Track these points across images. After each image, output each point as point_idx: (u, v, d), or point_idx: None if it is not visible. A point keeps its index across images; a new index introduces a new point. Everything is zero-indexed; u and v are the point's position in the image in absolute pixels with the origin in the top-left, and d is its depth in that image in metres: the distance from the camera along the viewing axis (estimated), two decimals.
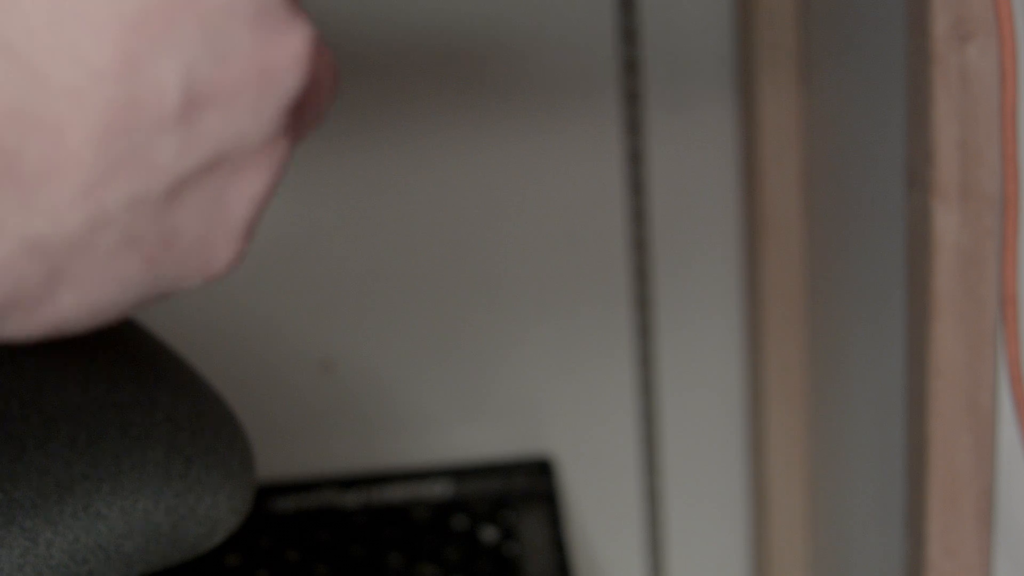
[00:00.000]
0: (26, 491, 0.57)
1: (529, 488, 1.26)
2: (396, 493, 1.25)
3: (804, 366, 1.20)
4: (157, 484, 0.59)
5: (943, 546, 0.83)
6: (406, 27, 1.16)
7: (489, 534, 1.22)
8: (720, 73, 1.20)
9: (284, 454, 1.27)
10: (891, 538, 0.99)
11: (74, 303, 0.35)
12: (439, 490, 1.26)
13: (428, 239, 1.23)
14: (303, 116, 0.38)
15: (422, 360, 1.27)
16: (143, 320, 0.68)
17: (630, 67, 1.19)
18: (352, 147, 1.20)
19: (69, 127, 0.33)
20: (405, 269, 1.24)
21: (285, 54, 0.35)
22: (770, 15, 1.11)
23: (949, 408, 0.80)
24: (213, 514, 0.61)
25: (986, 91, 0.74)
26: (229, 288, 1.22)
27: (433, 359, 1.27)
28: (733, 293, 1.26)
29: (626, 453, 1.31)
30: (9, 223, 0.33)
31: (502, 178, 1.22)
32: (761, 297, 1.19)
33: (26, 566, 0.56)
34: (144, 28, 0.33)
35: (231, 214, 0.37)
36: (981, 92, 0.74)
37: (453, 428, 1.29)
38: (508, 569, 1.19)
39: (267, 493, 1.24)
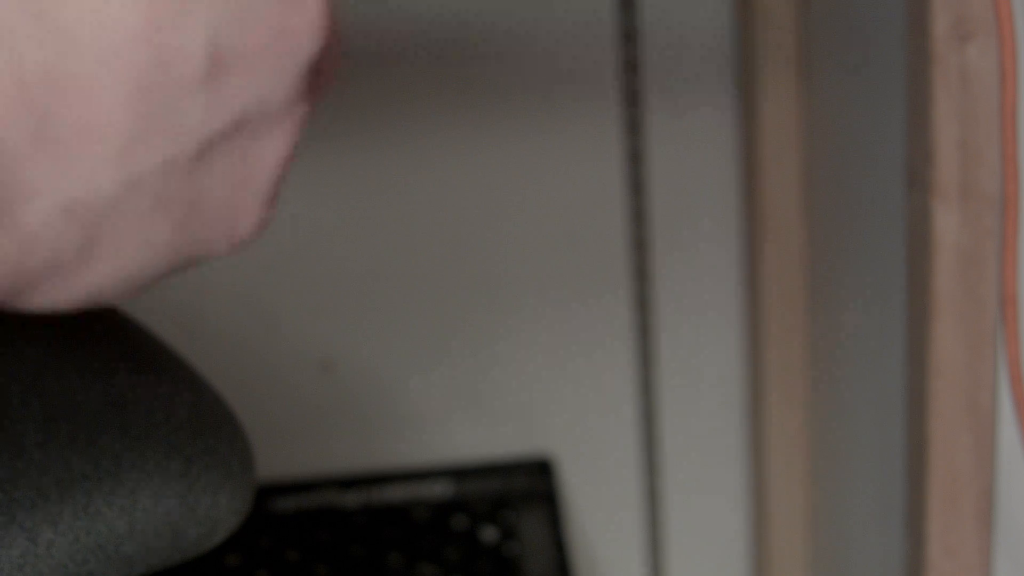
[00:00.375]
0: (26, 491, 0.57)
1: (529, 488, 1.26)
2: (396, 493, 1.25)
3: (804, 366, 1.20)
4: (157, 484, 0.59)
5: (943, 546, 0.83)
6: (406, 27, 1.16)
7: (489, 534, 1.22)
8: (720, 73, 1.20)
9: (284, 454, 1.27)
10: (891, 538, 0.99)
11: (109, 269, 0.36)
12: (439, 490, 1.26)
13: (428, 239, 1.23)
14: (318, 82, 0.39)
15: (422, 360, 1.27)
16: (143, 319, 0.68)
17: (630, 67, 1.19)
18: (352, 147, 1.20)
19: (101, 89, 0.33)
20: (405, 269, 1.24)
21: (304, 18, 0.36)
22: (770, 15, 1.11)
23: (949, 408, 0.80)
24: (213, 514, 0.61)
25: (986, 91, 0.74)
26: (230, 288, 1.22)
27: (433, 359, 1.27)
28: (733, 293, 1.26)
29: (626, 453, 1.31)
30: (46, 187, 0.34)
31: (502, 178, 1.22)
32: (761, 297, 1.19)
33: (26, 566, 0.56)
34: None
35: (255, 177, 0.38)
36: (981, 92, 0.74)
37: (453, 428, 1.29)
38: (508, 569, 1.19)
39: (267, 493, 1.24)
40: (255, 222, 0.38)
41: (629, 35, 1.18)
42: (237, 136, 0.36)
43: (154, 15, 0.34)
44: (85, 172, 0.34)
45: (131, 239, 0.36)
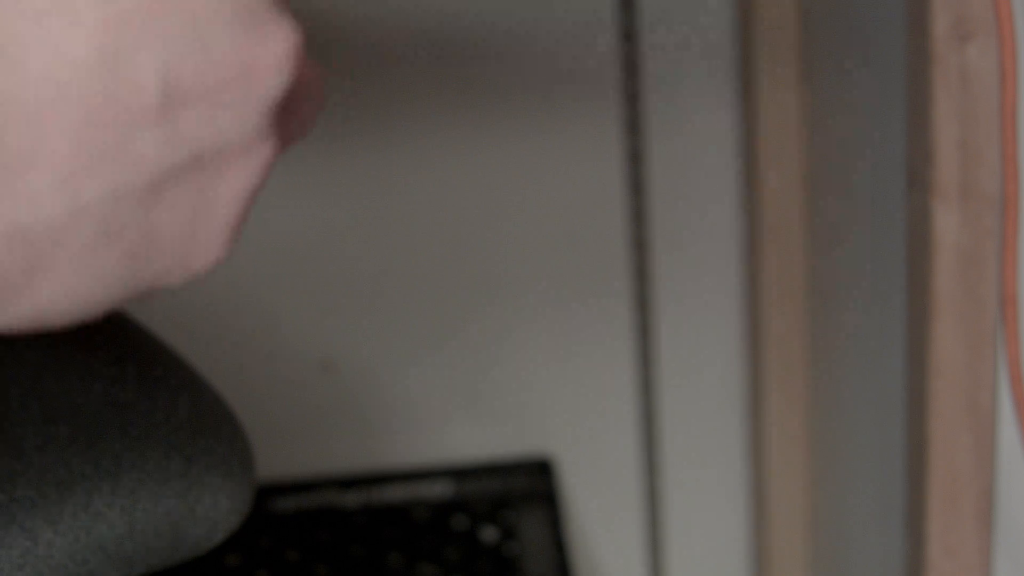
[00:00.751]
0: (26, 491, 0.57)
1: (529, 488, 1.26)
2: (396, 493, 1.25)
3: (804, 366, 1.20)
4: (157, 484, 0.59)
5: (943, 546, 0.83)
6: (406, 27, 1.16)
7: (489, 534, 1.22)
8: (720, 73, 1.20)
9: (284, 454, 1.27)
10: (891, 538, 0.99)
11: (53, 294, 0.36)
12: (439, 490, 1.26)
13: (428, 239, 1.23)
14: (290, 121, 0.39)
15: (422, 360, 1.27)
16: (143, 319, 0.68)
17: (630, 67, 1.19)
18: (352, 147, 1.20)
19: (48, 116, 0.34)
20: (405, 269, 1.24)
21: (268, 54, 0.36)
22: (770, 15, 1.11)
23: (949, 408, 0.80)
24: (213, 514, 0.61)
25: (986, 91, 0.74)
26: (230, 288, 1.22)
27: (433, 359, 1.27)
28: (733, 293, 1.26)
29: (626, 453, 1.31)
30: None
31: (502, 178, 1.22)
32: (761, 297, 1.19)
33: (26, 566, 0.56)
34: (125, 24, 0.34)
35: (215, 213, 0.37)
36: (981, 92, 0.74)
37: (453, 428, 1.29)
38: (508, 569, 1.19)
39: (267, 493, 1.24)
40: (213, 255, 0.38)
41: (629, 35, 1.18)
42: (194, 171, 0.36)
43: (106, 48, 0.34)
44: (30, 197, 0.34)
45: (77, 266, 0.36)
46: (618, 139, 1.21)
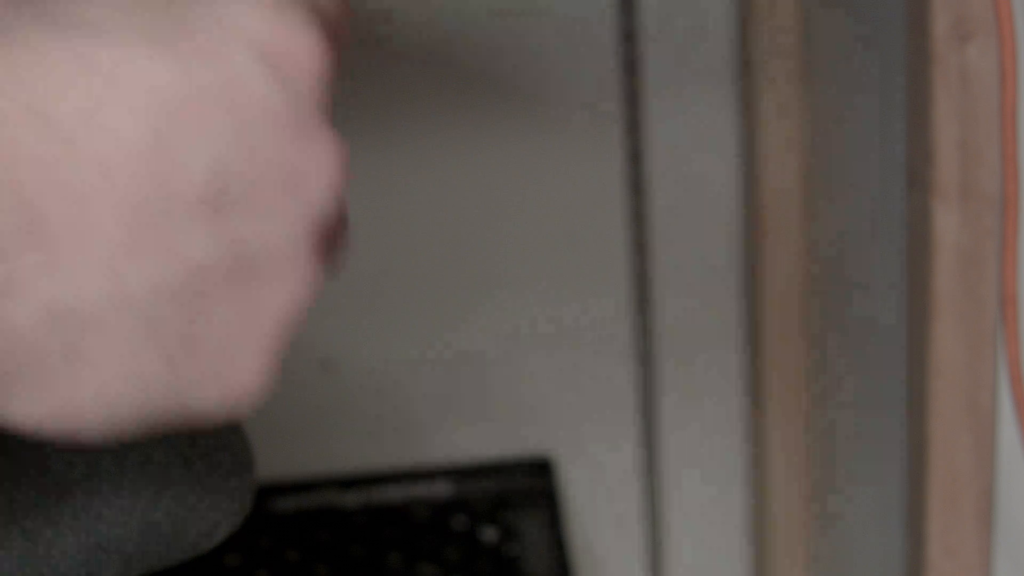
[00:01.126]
0: (26, 491, 0.57)
1: (529, 488, 1.26)
2: (396, 493, 1.25)
3: (804, 366, 1.20)
4: (157, 484, 0.59)
5: (943, 546, 0.83)
6: (406, 27, 1.16)
7: (489, 534, 1.22)
8: (720, 73, 1.20)
9: (284, 454, 1.27)
10: (891, 538, 0.99)
11: (90, 388, 0.34)
12: (439, 490, 1.26)
13: (428, 239, 1.23)
14: (331, 249, 0.38)
15: (422, 360, 1.27)
16: None
17: (630, 67, 1.19)
18: (352, 147, 1.20)
19: (95, 197, 0.33)
20: (405, 269, 1.24)
21: (317, 164, 0.36)
22: (770, 15, 1.11)
23: (949, 408, 0.80)
24: (213, 514, 0.61)
25: (986, 91, 0.74)
26: None
27: (433, 359, 1.27)
28: (733, 293, 1.26)
29: (626, 453, 1.31)
30: (32, 285, 0.33)
31: (502, 178, 1.22)
32: (761, 297, 1.19)
33: (26, 566, 0.56)
34: (179, 113, 0.33)
35: (256, 323, 0.36)
36: (981, 92, 0.74)
37: (453, 428, 1.29)
38: (508, 569, 1.19)
39: (267, 493, 1.24)
40: (254, 376, 0.37)
41: (629, 35, 1.18)
42: (236, 274, 0.35)
43: (158, 134, 0.33)
44: (73, 279, 0.33)
45: (116, 359, 0.34)
46: (618, 139, 1.21)
